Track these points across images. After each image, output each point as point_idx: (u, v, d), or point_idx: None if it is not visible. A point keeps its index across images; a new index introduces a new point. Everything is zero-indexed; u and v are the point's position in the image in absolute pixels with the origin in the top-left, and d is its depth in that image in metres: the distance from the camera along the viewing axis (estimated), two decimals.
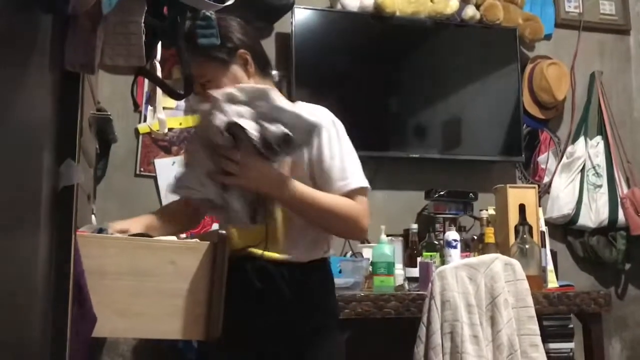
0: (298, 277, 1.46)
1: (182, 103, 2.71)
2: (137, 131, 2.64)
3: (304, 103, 1.53)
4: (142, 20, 0.89)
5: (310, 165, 1.45)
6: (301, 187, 1.39)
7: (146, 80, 2.66)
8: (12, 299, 0.78)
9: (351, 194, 1.44)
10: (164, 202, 2.60)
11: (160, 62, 2.60)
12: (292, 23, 2.72)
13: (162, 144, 2.68)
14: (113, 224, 1.31)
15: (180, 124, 2.71)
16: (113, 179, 2.59)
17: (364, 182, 1.49)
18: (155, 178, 2.65)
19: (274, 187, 1.36)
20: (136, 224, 1.37)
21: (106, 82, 2.55)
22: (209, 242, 1.10)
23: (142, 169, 2.65)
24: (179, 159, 2.67)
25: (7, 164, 0.73)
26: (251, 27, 1.63)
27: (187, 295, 1.07)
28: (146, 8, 0.89)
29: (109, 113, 2.13)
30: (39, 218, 0.89)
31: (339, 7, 2.85)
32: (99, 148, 2.41)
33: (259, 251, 1.46)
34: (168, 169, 2.66)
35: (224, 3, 0.97)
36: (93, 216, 2.11)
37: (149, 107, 1.59)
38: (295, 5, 2.71)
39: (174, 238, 1.16)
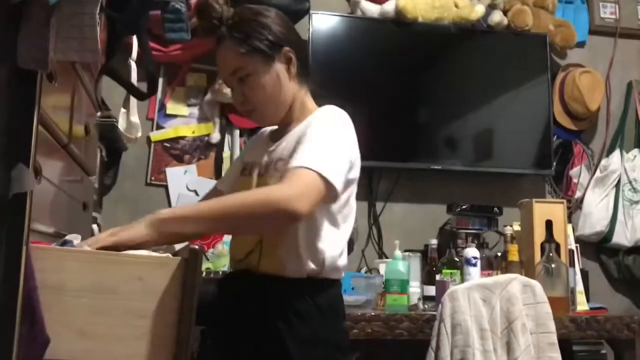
0: (294, 299, 1.31)
1: (195, 111, 2.66)
2: (148, 139, 2.59)
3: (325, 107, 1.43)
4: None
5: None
6: (171, 210, 1.20)
7: (159, 88, 2.61)
8: None
9: (294, 169, 1.21)
10: None
11: (173, 68, 2.57)
12: (309, 29, 2.64)
13: (174, 152, 2.63)
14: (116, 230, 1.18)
15: (193, 132, 2.65)
16: (124, 187, 2.54)
17: (318, 167, 1.20)
18: (166, 187, 2.59)
19: (137, 231, 1.15)
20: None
21: (118, 88, 2.50)
22: (179, 258, 1.01)
23: (153, 178, 2.60)
24: (191, 167, 2.62)
25: None
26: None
27: (155, 316, 0.98)
28: None
29: (114, 119, 2.07)
30: None
31: (358, 12, 2.76)
32: (108, 156, 2.37)
33: (253, 260, 1.34)
34: (179, 177, 2.60)
35: None
36: (95, 225, 2.05)
37: (122, 110, 1.51)
38: (312, 11, 2.63)
39: (143, 252, 1.08)
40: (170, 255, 1.04)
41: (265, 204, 1.16)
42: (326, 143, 1.27)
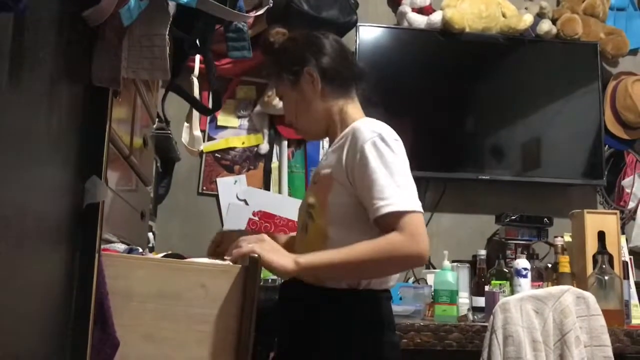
0: (333, 308, 1.34)
1: (245, 122, 2.72)
2: (200, 150, 2.66)
3: (368, 119, 1.46)
4: (167, 33, 0.86)
5: (352, 178, 1.34)
6: (309, 257, 1.27)
7: (209, 99, 2.68)
8: (29, 322, 0.75)
9: (388, 218, 1.27)
10: (225, 220, 2.60)
11: (224, 81, 2.63)
12: (356, 41, 2.67)
13: (225, 162, 2.69)
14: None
15: (243, 143, 2.71)
16: (176, 197, 2.61)
17: (406, 205, 1.27)
18: (217, 196, 2.65)
19: (284, 263, 1.23)
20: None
21: (173, 100, 2.58)
22: (240, 266, 1.04)
23: (204, 188, 2.66)
24: (241, 177, 2.67)
25: (29, 179, 0.70)
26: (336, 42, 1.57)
27: (217, 322, 1.02)
28: (171, 20, 0.86)
29: (169, 131, 2.14)
30: (61, 236, 0.86)
31: (405, 24, 2.77)
32: (163, 166, 2.44)
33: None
34: (230, 187, 2.66)
35: (255, 13, 0.92)
36: (151, 234, 2.11)
37: (185, 124, 1.57)
38: (359, 24, 2.66)
39: (205, 260, 1.12)
40: (231, 263, 1.07)
41: (396, 261, 1.29)
42: (395, 172, 1.31)
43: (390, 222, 1.27)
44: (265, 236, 1.29)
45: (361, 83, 1.58)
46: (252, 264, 1.03)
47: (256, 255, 1.07)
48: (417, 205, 1.30)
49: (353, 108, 1.52)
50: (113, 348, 0.94)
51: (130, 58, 0.88)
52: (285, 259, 1.23)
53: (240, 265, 1.05)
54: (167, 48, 0.87)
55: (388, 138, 1.35)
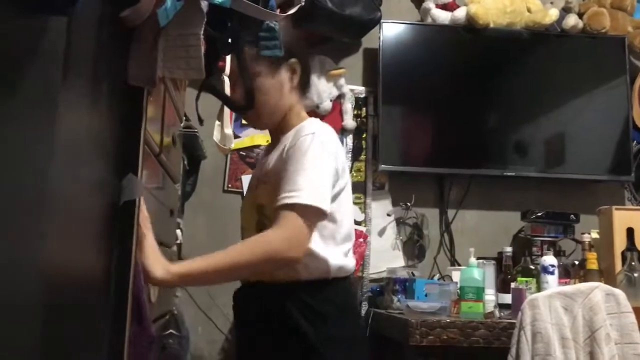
0: (310, 299, 1.39)
1: None
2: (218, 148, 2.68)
3: (312, 119, 1.49)
4: (202, 33, 0.87)
5: (276, 173, 1.38)
6: (185, 266, 1.26)
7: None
8: (73, 312, 0.77)
9: (284, 209, 1.30)
10: None
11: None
12: (379, 38, 2.67)
13: (250, 160, 2.71)
14: None
15: (267, 141, 2.71)
16: (202, 194, 2.64)
17: (309, 200, 1.30)
18: (241, 194, 2.67)
19: (154, 270, 1.16)
20: None
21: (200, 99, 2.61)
22: None
23: (229, 185, 2.69)
24: None
25: (67, 177, 0.72)
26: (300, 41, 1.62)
27: None
28: (205, 20, 0.87)
29: (196, 130, 2.17)
30: (100, 231, 0.89)
31: (429, 20, 2.77)
32: (189, 164, 2.47)
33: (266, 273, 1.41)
34: None
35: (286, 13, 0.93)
36: (179, 231, 2.14)
37: (217, 122, 1.59)
38: (383, 20, 2.66)
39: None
40: None
41: (265, 259, 1.28)
42: (305, 170, 1.33)
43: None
44: (147, 231, 1.14)
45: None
46: None
47: None
48: (314, 200, 1.31)
49: (303, 112, 1.56)
50: (149, 341, 0.96)
51: (166, 57, 0.90)
52: (157, 265, 1.15)
53: None
54: (202, 47, 0.88)
55: (321, 136, 1.39)
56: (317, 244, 1.39)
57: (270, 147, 1.58)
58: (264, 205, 1.43)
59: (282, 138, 1.49)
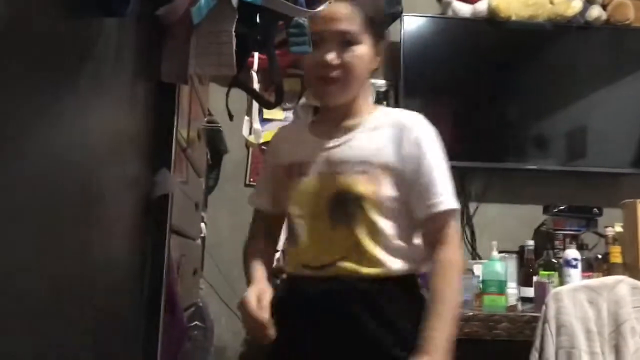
0: (405, 296, 1.32)
1: (290, 115, 2.75)
2: (246, 142, 2.70)
3: (401, 110, 1.44)
4: (233, 29, 0.89)
5: (402, 173, 1.28)
6: (439, 344, 1.20)
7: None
8: (106, 304, 0.79)
9: (440, 218, 1.26)
10: None
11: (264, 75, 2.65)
12: (401, 32, 2.67)
13: None
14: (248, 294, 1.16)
15: None
16: (224, 188, 2.66)
17: (455, 204, 1.28)
18: None
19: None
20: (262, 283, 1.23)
21: (220, 94, 2.62)
22: None
23: (251, 179, 2.71)
24: None
25: (111, 171, 0.74)
26: None
27: None
28: (237, 17, 0.89)
29: (219, 124, 2.19)
30: (135, 224, 0.91)
31: (450, 13, 2.76)
32: (212, 159, 2.49)
33: (349, 265, 1.26)
34: None
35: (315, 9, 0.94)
36: (203, 224, 2.17)
37: (246, 118, 1.60)
38: (404, 14, 2.65)
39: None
40: None
41: (460, 277, 1.30)
42: (445, 170, 1.31)
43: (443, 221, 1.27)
44: None
45: None
46: None
47: None
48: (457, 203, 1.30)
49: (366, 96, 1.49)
50: (182, 332, 0.98)
51: (198, 54, 0.91)
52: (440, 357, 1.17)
53: None
54: (233, 44, 0.90)
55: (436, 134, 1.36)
56: (404, 229, 1.32)
57: (326, 130, 1.36)
58: (362, 195, 1.28)
59: (356, 121, 1.35)
